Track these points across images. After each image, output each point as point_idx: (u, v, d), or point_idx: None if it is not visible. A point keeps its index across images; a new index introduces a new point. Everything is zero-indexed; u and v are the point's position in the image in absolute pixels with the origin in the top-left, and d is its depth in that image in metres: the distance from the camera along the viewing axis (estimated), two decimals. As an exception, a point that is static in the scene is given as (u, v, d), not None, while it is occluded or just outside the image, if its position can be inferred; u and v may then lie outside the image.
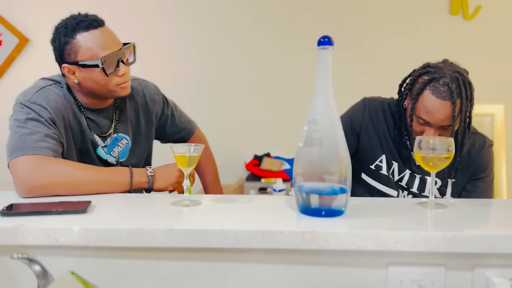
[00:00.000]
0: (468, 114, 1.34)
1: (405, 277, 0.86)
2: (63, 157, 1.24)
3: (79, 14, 1.25)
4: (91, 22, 1.22)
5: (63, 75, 1.28)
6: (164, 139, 1.59)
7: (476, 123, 1.47)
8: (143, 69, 2.95)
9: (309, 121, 0.93)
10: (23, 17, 2.98)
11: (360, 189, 1.51)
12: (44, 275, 0.78)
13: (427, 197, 1.41)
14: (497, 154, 1.77)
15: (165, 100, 1.54)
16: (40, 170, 1.07)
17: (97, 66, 1.21)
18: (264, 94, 3.04)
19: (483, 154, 1.42)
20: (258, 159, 2.93)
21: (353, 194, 1.16)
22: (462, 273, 0.87)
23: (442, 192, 1.42)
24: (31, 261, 0.76)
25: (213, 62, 3.03)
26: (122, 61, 1.25)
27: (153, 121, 1.48)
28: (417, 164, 1.34)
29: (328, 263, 0.87)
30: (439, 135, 1.32)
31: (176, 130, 1.59)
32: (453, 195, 1.41)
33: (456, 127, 1.32)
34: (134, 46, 1.31)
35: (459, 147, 1.34)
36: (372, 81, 2.85)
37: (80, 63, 1.22)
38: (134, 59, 1.32)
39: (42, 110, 1.19)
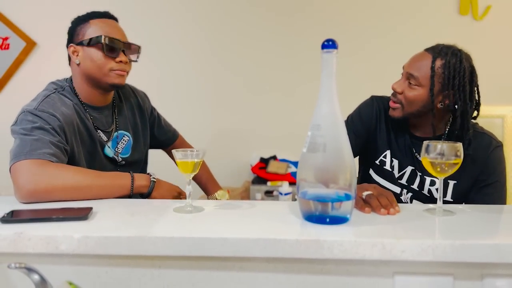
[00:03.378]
0: (462, 105, 1.30)
1: (412, 287, 0.84)
2: (74, 162, 1.26)
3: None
4: (104, 13, 1.36)
5: (69, 58, 1.36)
6: (152, 141, 1.62)
7: (486, 125, 1.44)
8: (147, 73, 2.96)
9: (313, 126, 0.91)
10: (31, 20, 3.00)
11: None
12: (43, 284, 0.76)
13: (426, 195, 1.39)
14: (508, 157, 1.73)
15: (151, 103, 1.62)
16: (39, 174, 1.07)
17: (99, 42, 1.28)
18: (270, 96, 3.02)
19: (489, 156, 1.34)
20: (264, 162, 2.91)
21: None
22: (471, 283, 0.84)
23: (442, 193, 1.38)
24: (29, 270, 0.75)
25: (219, 64, 3.02)
26: (124, 52, 1.33)
27: (146, 119, 1.56)
28: (419, 158, 1.32)
29: (333, 272, 0.85)
30: (405, 95, 1.34)
31: (163, 131, 1.65)
32: (454, 197, 1.37)
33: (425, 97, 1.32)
34: (140, 48, 1.39)
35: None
36: (379, 84, 2.81)
37: (85, 40, 1.30)
38: (137, 60, 1.39)
39: (50, 118, 1.20)
